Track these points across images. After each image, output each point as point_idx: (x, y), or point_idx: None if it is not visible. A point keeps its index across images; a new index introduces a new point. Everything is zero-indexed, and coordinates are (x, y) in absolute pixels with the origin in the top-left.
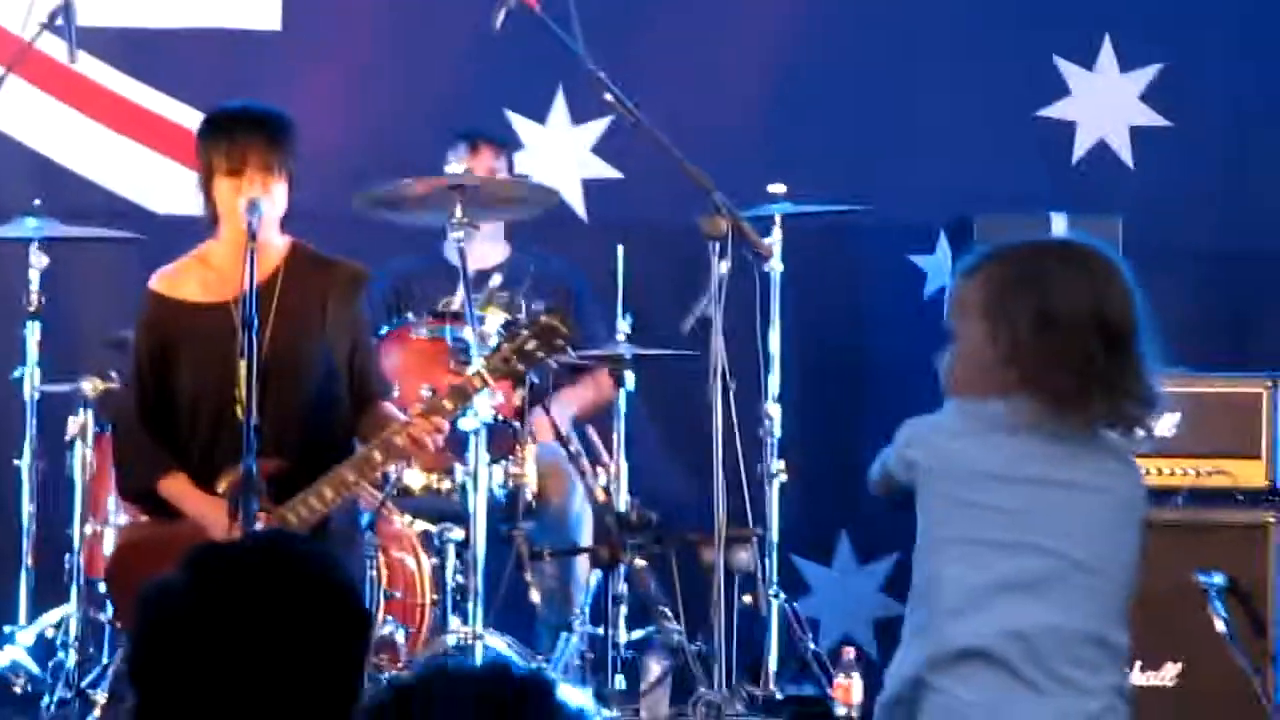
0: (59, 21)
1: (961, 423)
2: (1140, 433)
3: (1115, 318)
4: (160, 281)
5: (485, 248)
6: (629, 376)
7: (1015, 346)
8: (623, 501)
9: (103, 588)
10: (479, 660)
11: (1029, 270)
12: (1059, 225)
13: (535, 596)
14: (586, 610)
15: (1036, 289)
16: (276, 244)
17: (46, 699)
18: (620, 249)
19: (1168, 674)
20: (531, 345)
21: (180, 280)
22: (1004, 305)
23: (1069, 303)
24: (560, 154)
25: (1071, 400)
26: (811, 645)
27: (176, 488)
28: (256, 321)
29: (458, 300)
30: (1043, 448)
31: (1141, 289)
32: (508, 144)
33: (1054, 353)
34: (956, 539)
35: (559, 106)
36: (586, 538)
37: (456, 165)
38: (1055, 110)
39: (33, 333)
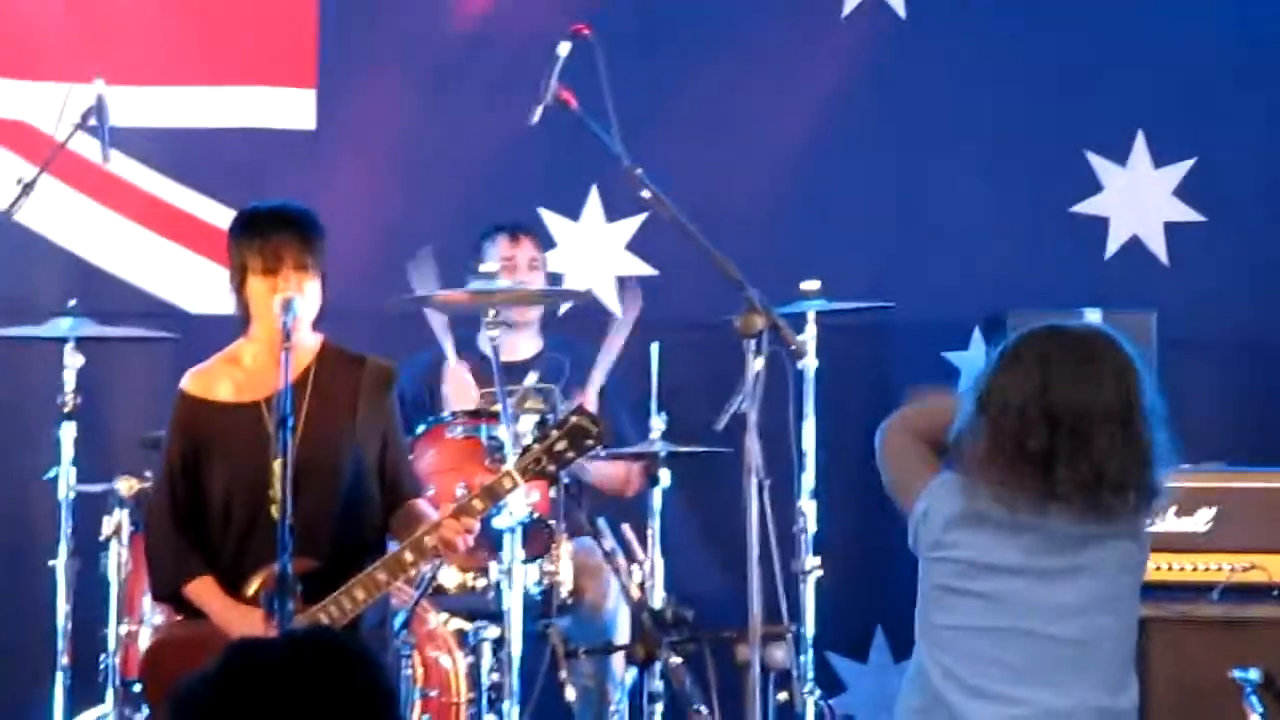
0: (92, 121)
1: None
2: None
3: (1070, 402)
4: (192, 382)
5: (519, 340)
6: (664, 473)
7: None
8: (658, 599)
9: (137, 688)
10: None
11: (1004, 353)
12: (1093, 320)
13: (570, 694)
14: (623, 708)
15: (997, 372)
16: (308, 343)
17: None
18: (655, 346)
19: None
20: (561, 446)
21: (212, 381)
22: (975, 385)
23: (1015, 387)
24: (594, 251)
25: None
26: None
27: (203, 592)
28: (291, 421)
29: (491, 398)
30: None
31: (1172, 382)
32: (540, 237)
33: (990, 435)
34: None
35: (593, 203)
36: (622, 635)
37: (493, 257)
38: (1089, 206)
39: (68, 433)
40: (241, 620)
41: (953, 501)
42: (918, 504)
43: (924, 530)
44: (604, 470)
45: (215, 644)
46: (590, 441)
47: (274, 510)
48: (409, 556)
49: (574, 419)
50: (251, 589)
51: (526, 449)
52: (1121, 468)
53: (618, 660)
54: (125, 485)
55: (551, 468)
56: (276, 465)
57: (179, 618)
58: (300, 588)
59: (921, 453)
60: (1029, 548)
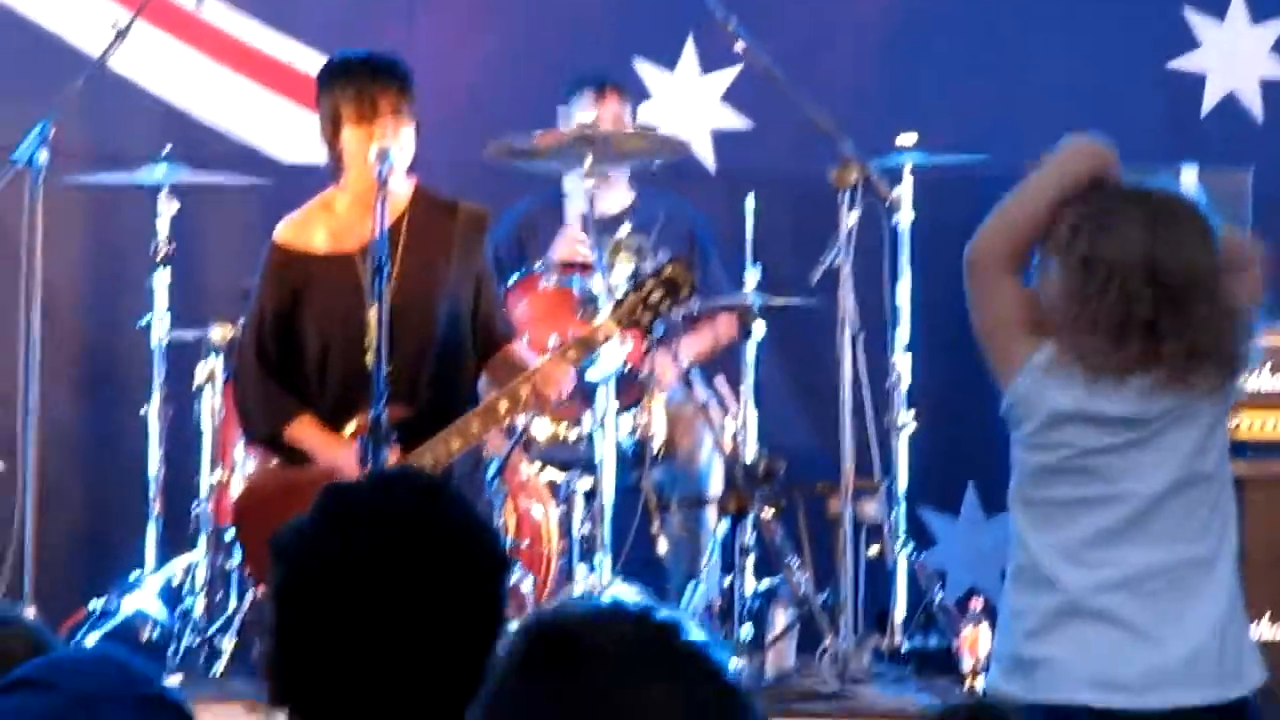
0: None
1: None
2: (1201, 384)
3: (1175, 268)
4: (285, 232)
5: (611, 193)
6: (757, 326)
7: (1059, 288)
8: (750, 452)
9: (230, 535)
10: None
11: (1094, 213)
12: (1188, 178)
13: (663, 546)
14: (714, 560)
15: (1090, 233)
16: (401, 190)
17: (174, 646)
18: (749, 199)
19: None
20: (656, 297)
21: (306, 230)
22: (1062, 245)
23: (1119, 249)
24: (689, 103)
25: (1106, 345)
26: (938, 596)
27: (305, 432)
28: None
29: (585, 248)
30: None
31: (1267, 239)
32: (630, 90)
33: (1089, 296)
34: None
35: (688, 54)
36: (715, 487)
37: (582, 112)
38: (1185, 62)
39: (161, 280)
40: (346, 456)
41: (1054, 396)
42: (1015, 380)
43: (1022, 414)
44: (691, 347)
45: (308, 487)
46: (685, 292)
47: (368, 357)
48: (503, 406)
49: (668, 269)
50: (348, 431)
51: (621, 300)
52: (1217, 334)
53: (710, 513)
54: (219, 332)
55: (646, 318)
56: (372, 314)
57: (273, 463)
58: (395, 435)
59: (1016, 299)
60: (1125, 418)
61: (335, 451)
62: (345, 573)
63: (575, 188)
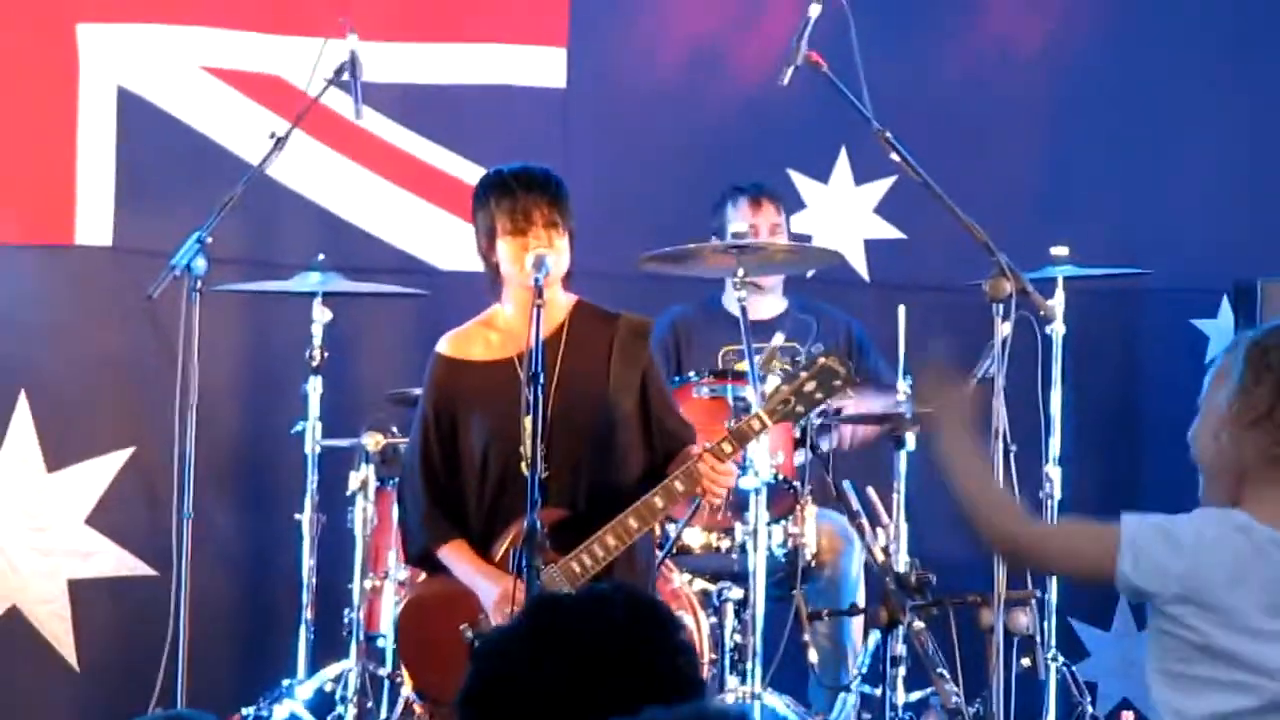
0: (345, 77)
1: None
2: None
3: None
4: (447, 344)
5: (765, 300)
6: (910, 437)
7: (1260, 412)
8: (902, 562)
9: (381, 642)
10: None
11: (1252, 367)
12: None
13: (813, 657)
14: (864, 671)
15: (1257, 384)
16: (561, 301)
17: None
18: (902, 309)
19: None
20: (810, 387)
21: (467, 342)
22: (1256, 373)
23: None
24: (843, 213)
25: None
26: (1090, 709)
27: (455, 556)
28: (542, 376)
29: (739, 357)
30: None
31: None
32: (784, 198)
33: (1274, 385)
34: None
35: (842, 166)
36: (861, 599)
37: (737, 220)
38: None
39: (315, 387)
40: (491, 583)
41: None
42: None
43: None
44: (847, 432)
45: (467, 601)
46: (839, 382)
47: (523, 465)
48: (659, 502)
49: (822, 360)
50: (500, 549)
51: (775, 390)
52: None
53: (858, 623)
54: (371, 440)
55: (800, 408)
56: (526, 421)
57: (426, 577)
58: (549, 540)
59: (1065, 529)
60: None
61: (479, 579)
62: (547, 685)
63: (731, 295)
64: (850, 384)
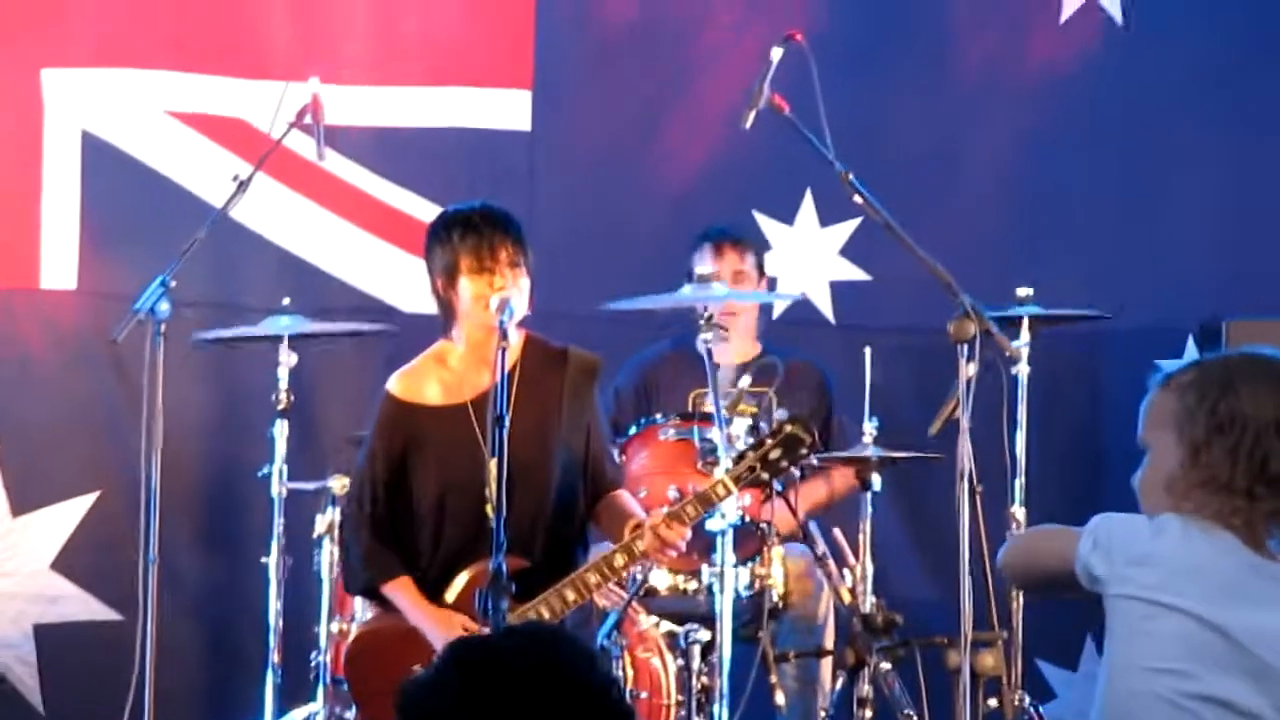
0: (307, 120)
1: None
2: None
3: None
4: (398, 385)
5: (735, 345)
6: (875, 478)
7: (1194, 449)
8: (868, 603)
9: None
10: None
11: (1216, 378)
12: None
13: (780, 699)
14: (831, 712)
15: (1219, 393)
16: (513, 340)
17: None
18: (867, 351)
19: None
20: (776, 454)
21: (419, 383)
22: (1188, 411)
23: (1253, 406)
24: (808, 255)
25: (1240, 499)
26: None
27: (399, 594)
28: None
29: (707, 400)
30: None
31: None
32: (753, 243)
33: (1228, 450)
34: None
35: (807, 207)
36: (830, 640)
37: (703, 267)
38: None
39: (281, 431)
40: (437, 624)
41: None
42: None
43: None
44: (807, 498)
45: (415, 638)
46: (804, 450)
47: (488, 508)
48: (619, 560)
49: (788, 428)
50: (454, 591)
51: (740, 456)
52: None
53: (825, 665)
54: (338, 483)
55: (765, 475)
56: (492, 464)
57: (379, 610)
58: (513, 587)
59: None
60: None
61: (428, 621)
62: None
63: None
64: (815, 450)
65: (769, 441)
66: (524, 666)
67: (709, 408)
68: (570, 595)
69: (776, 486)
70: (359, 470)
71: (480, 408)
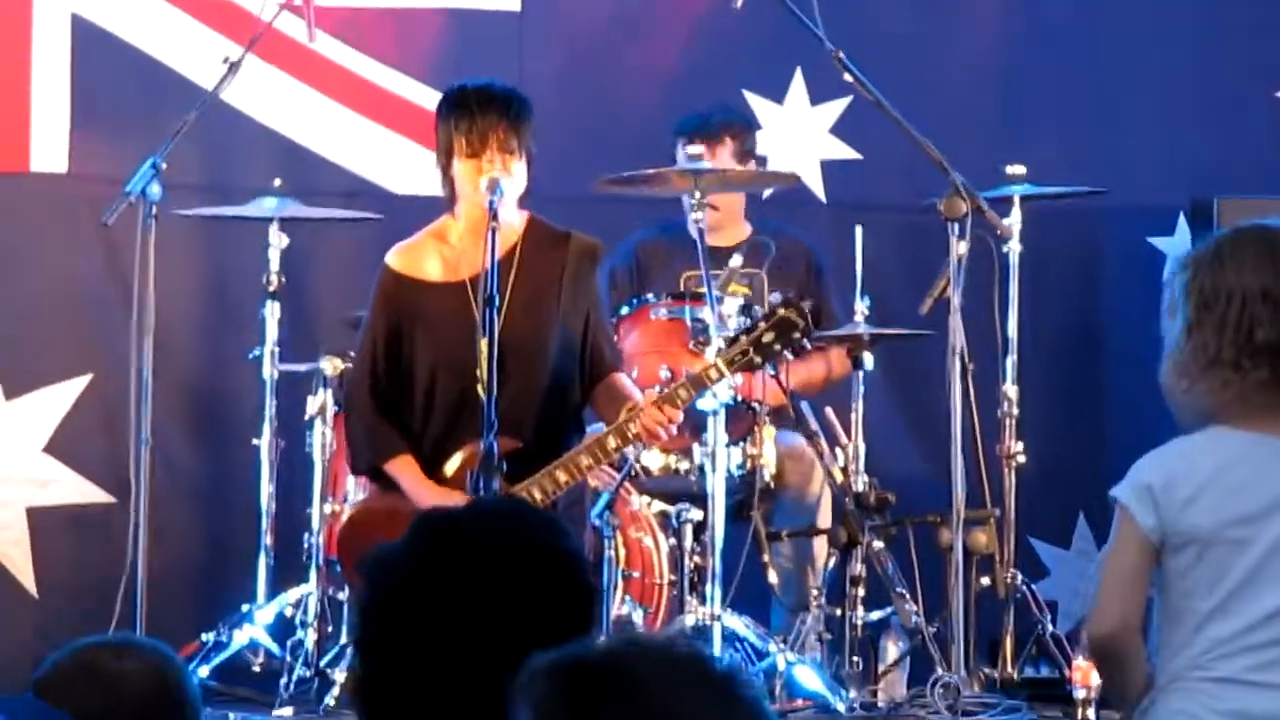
0: (297, 1)
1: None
2: None
3: None
4: (397, 258)
5: (725, 225)
6: (867, 357)
7: (1188, 330)
8: (861, 482)
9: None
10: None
11: (1206, 255)
12: None
13: (773, 577)
14: (824, 591)
15: (1206, 270)
16: (514, 221)
17: (285, 678)
18: (859, 229)
19: None
20: (769, 338)
21: (418, 258)
22: (1184, 293)
23: (1236, 276)
24: (798, 134)
25: (1229, 371)
26: (1050, 627)
27: (401, 470)
28: (497, 301)
29: (698, 279)
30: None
31: None
32: (730, 129)
33: (1215, 324)
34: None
35: (797, 87)
36: (824, 519)
37: (685, 152)
38: None
39: (272, 312)
40: (436, 500)
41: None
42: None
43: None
44: (803, 375)
45: (407, 517)
46: (797, 334)
47: (479, 389)
48: (612, 442)
49: (781, 311)
50: (452, 467)
51: (733, 340)
52: None
53: (818, 543)
54: (329, 365)
55: (758, 360)
56: (483, 344)
57: (375, 490)
58: (504, 467)
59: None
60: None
61: (426, 496)
62: (431, 594)
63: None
64: (808, 335)
65: (762, 325)
66: (485, 538)
67: (700, 288)
68: (562, 476)
69: (769, 369)
70: (359, 347)
71: (478, 285)
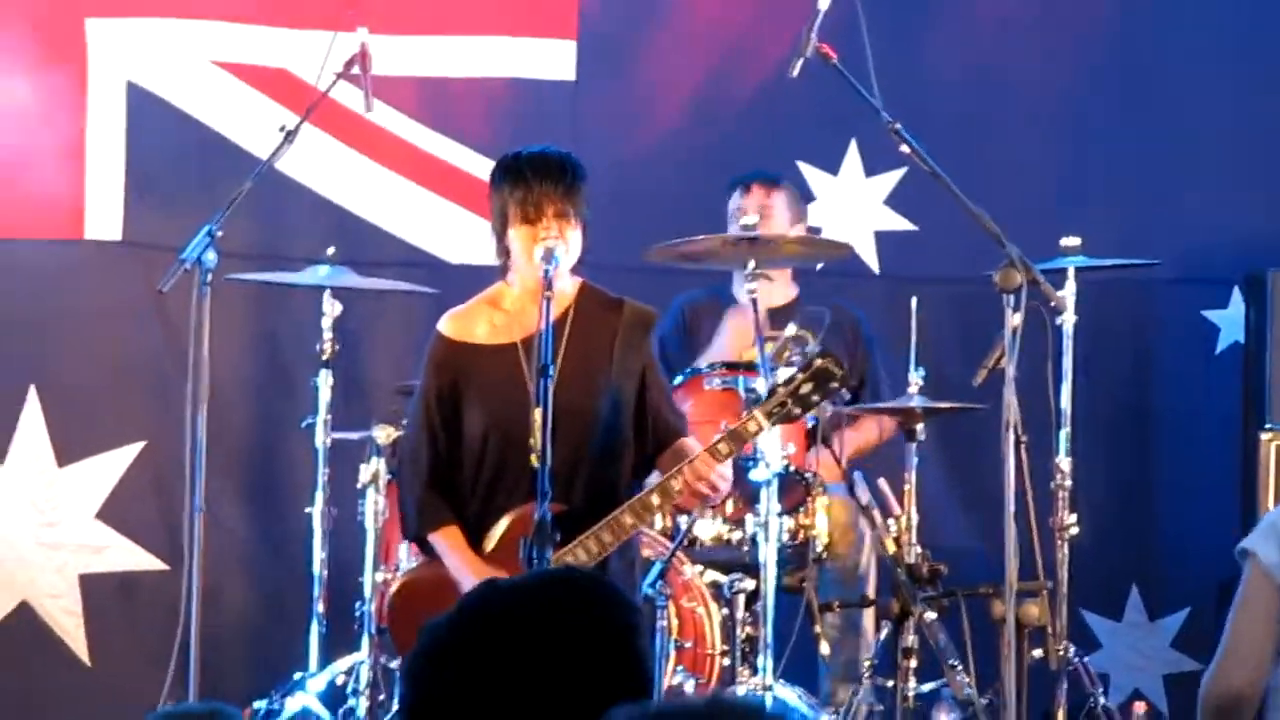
0: (355, 70)
1: None
2: None
3: None
4: (449, 323)
5: (775, 288)
6: (920, 429)
7: None
8: (913, 553)
9: None
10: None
11: None
12: None
13: (824, 648)
14: (875, 662)
15: None
16: (567, 288)
17: None
18: (913, 301)
19: None
20: (807, 389)
21: (470, 322)
22: None
23: None
24: (853, 206)
25: None
26: (1102, 699)
27: (446, 544)
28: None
29: (750, 349)
30: None
31: None
32: (783, 183)
33: None
34: None
35: (852, 158)
36: (873, 590)
37: (732, 204)
38: None
39: (325, 380)
40: (474, 575)
41: None
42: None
43: None
44: (857, 443)
45: (456, 586)
46: (835, 384)
47: (533, 458)
48: (655, 500)
49: (818, 361)
50: (496, 536)
51: (771, 392)
52: None
53: (867, 615)
54: (382, 433)
55: (796, 410)
56: (536, 413)
57: (425, 559)
58: (558, 537)
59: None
60: None
61: (465, 569)
62: (476, 668)
63: (740, 285)
64: (845, 385)
65: (800, 376)
66: (538, 607)
67: (752, 355)
68: (607, 537)
69: (812, 421)
70: (412, 416)
71: (529, 348)
